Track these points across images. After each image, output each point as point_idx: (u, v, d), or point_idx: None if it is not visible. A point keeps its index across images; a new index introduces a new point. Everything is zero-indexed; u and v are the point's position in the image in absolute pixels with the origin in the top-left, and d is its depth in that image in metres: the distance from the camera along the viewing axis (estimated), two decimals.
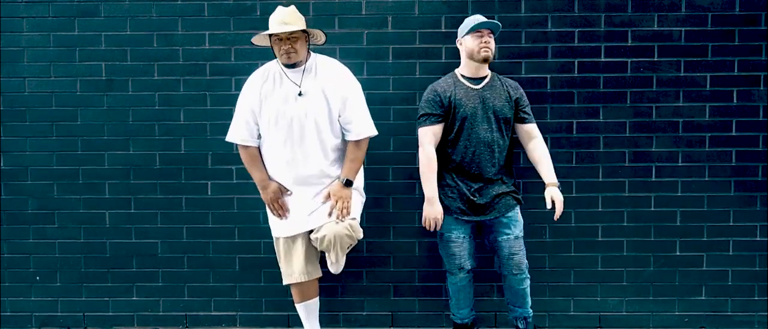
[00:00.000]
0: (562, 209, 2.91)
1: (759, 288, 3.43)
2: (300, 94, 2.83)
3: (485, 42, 2.87)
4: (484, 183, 2.92)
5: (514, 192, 3.01)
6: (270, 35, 2.82)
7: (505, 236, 2.93)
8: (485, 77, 2.98)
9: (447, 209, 2.96)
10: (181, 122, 3.41)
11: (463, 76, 2.99)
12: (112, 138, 3.42)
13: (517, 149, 3.24)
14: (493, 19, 3.21)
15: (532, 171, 3.12)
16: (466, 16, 3.21)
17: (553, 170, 2.98)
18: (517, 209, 3.02)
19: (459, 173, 2.95)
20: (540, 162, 3.00)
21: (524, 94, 3.05)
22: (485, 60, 2.89)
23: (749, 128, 3.36)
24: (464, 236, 2.97)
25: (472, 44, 2.89)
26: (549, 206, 2.91)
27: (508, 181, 3.00)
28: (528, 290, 3.03)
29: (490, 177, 2.91)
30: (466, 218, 2.94)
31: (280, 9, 2.83)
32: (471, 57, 2.92)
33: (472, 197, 2.92)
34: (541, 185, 3.33)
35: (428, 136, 2.93)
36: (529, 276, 3.02)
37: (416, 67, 3.38)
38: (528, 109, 3.03)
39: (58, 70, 3.40)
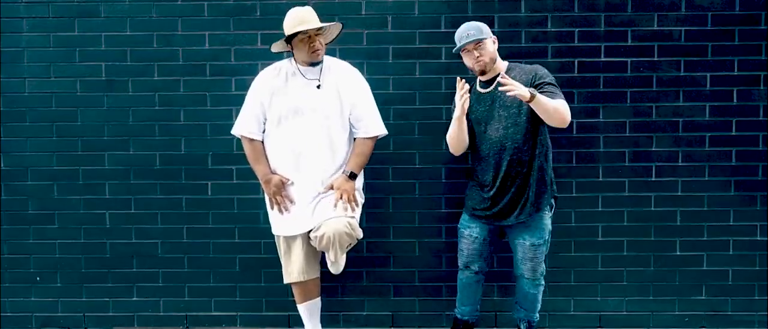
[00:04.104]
0: (514, 89, 2.56)
1: (759, 287, 3.43)
2: (318, 86, 2.88)
3: (476, 57, 2.82)
4: (501, 184, 2.85)
5: (538, 197, 2.86)
6: (293, 35, 2.80)
7: (521, 241, 2.91)
8: (496, 77, 2.87)
9: (466, 207, 3.02)
10: (181, 122, 3.41)
11: (480, 81, 2.96)
12: (112, 138, 3.42)
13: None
14: (493, 17, 3.26)
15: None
16: (465, 17, 3.21)
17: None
18: (541, 215, 2.89)
19: (477, 173, 2.95)
20: None
21: (543, 73, 2.81)
22: (482, 72, 2.88)
23: (749, 128, 3.36)
24: (477, 237, 2.97)
25: (467, 62, 2.88)
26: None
27: (532, 184, 2.84)
28: (539, 296, 3.00)
29: (505, 178, 2.84)
30: (479, 215, 2.93)
31: (300, 9, 2.87)
32: (472, 71, 2.94)
33: (484, 201, 2.89)
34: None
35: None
36: (543, 283, 3.00)
37: (416, 67, 3.37)
38: (548, 81, 2.77)
39: (58, 71, 3.40)
